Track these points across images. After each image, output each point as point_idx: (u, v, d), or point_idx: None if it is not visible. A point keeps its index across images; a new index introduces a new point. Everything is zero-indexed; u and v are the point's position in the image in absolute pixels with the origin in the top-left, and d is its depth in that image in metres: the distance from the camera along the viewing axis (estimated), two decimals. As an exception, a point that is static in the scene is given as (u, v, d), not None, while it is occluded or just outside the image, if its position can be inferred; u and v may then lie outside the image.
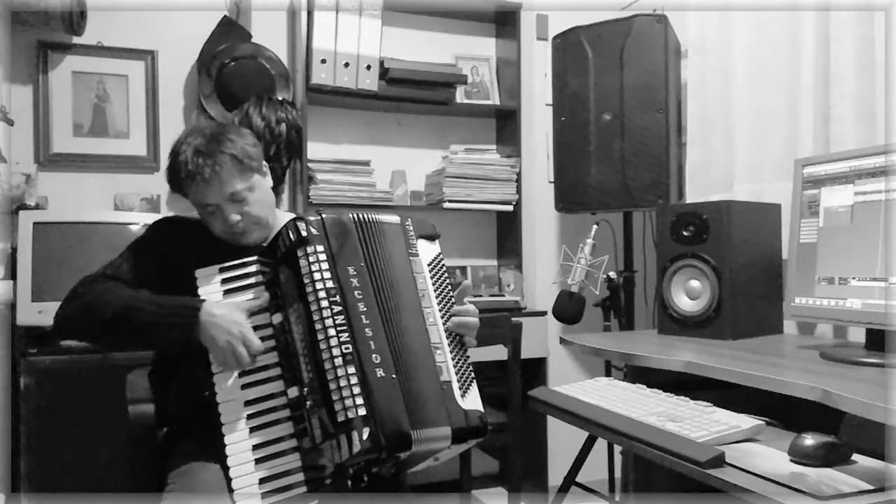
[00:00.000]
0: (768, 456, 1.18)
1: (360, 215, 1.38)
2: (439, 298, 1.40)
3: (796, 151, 2.03)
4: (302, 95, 2.65)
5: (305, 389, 1.23)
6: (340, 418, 1.18)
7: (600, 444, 1.95)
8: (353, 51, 2.64)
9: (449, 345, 1.36)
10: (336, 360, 1.21)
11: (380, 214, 1.41)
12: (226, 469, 1.22)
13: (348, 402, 1.18)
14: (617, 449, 2.56)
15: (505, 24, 3.06)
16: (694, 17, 2.49)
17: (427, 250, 1.43)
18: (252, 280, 1.36)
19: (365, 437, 1.17)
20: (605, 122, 2.50)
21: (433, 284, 1.40)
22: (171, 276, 1.40)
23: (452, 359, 1.35)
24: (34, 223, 2.18)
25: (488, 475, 2.95)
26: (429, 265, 1.42)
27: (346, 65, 2.64)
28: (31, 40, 2.49)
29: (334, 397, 1.19)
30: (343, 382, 1.20)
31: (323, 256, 1.28)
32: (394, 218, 1.43)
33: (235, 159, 1.42)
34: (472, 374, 1.37)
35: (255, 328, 1.31)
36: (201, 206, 1.45)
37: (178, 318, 1.31)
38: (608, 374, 2.54)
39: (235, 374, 1.29)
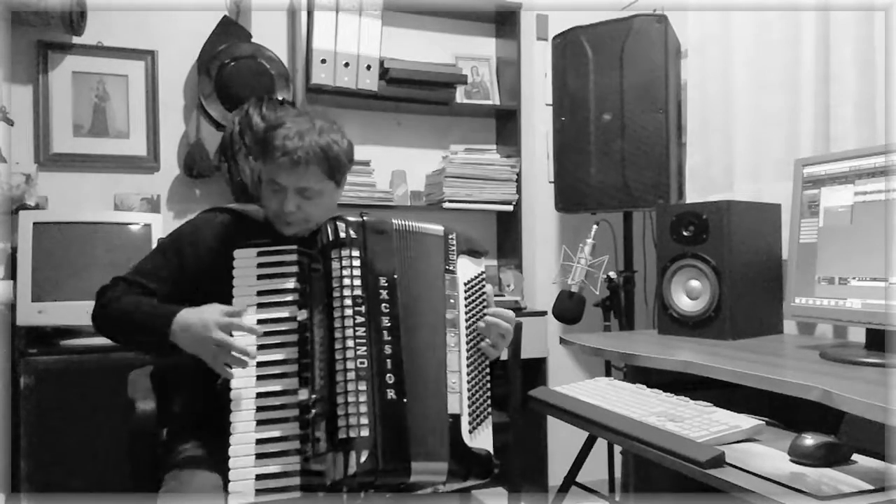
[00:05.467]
0: (768, 456, 1.18)
1: (404, 223, 1.32)
2: (469, 321, 1.33)
3: (796, 151, 2.03)
4: (302, 95, 2.65)
5: (314, 396, 1.20)
6: (342, 435, 1.15)
7: (600, 444, 1.95)
8: (353, 51, 2.64)
9: (469, 374, 1.29)
10: (349, 373, 1.18)
11: (423, 223, 1.35)
12: (225, 462, 1.20)
13: (353, 420, 1.16)
14: (617, 449, 2.56)
15: (505, 24, 3.06)
16: (694, 17, 2.49)
17: (467, 268, 1.36)
18: (286, 269, 1.30)
19: (363, 459, 1.14)
20: (605, 122, 2.50)
21: (466, 306, 1.33)
22: (205, 267, 1.41)
23: (469, 389, 1.28)
24: (34, 223, 2.18)
25: (488, 475, 2.95)
26: (466, 284, 1.34)
27: (346, 65, 2.63)
28: (31, 40, 2.49)
29: (339, 412, 1.17)
30: (352, 398, 1.17)
31: (357, 262, 1.25)
32: (437, 228, 1.36)
33: (326, 160, 1.40)
34: (489, 410, 1.30)
35: (279, 320, 1.27)
36: (270, 181, 1.42)
37: (153, 328, 1.30)
38: (608, 374, 2.54)
39: (253, 362, 1.25)
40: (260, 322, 1.27)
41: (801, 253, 1.63)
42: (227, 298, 1.29)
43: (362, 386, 1.18)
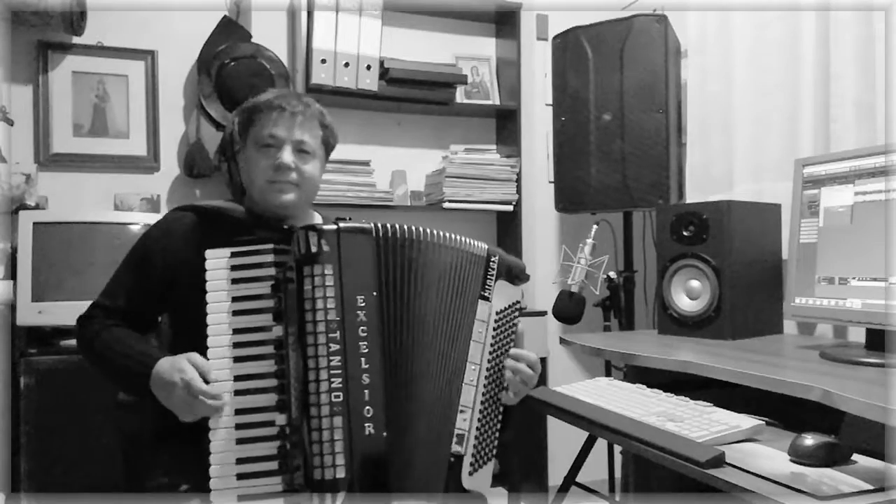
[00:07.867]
0: (768, 456, 1.18)
1: (389, 228, 1.19)
2: (493, 355, 1.22)
3: (796, 151, 2.03)
4: (302, 95, 2.65)
5: (288, 429, 1.13)
6: (317, 476, 1.09)
7: (600, 444, 1.95)
8: (353, 51, 2.64)
9: (482, 411, 1.20)
10: (323, 408, 1.10)
11: (465, 239, 1.23)
12: (201, 479, 1.13)
13: (327, 461, 1.09)
14: (617, 449, 2.56)
15: (505, 24, 3.06)
16: (694, 17, 2.49)
17: (501, 295, 1.25)
18: (262, 272, 1.19)
19: (339, 502, 1.09)
20: (605, 122, 2.50)
21: (493, 338, 1.23)
22: (175, 273, 1.34)
23: (479, 428, 1.19)
24: (34, 223, 2.18)
25: (488, 475, 2.95)
26: (498, 313, 1.24)
27: (346, 65, 2.63)
28: (31, 40, 2.49)
29: (314, 451, 1.10)
30: (326, 437, 1.10)
31: (330, 281, 1.13)
32: (479, 248, 1.24)
33: (322, 123, 1.44)
34: (494, 451, 1.22)
35: (256, 329, 1.18)
36: (263, 138, 1.36)
37: (139, 374, 1.24)
38: (608, 374, 2.54)
39: (231, 377, 1.17)
40: (235, 332, 1.18)
41: (801, 253, 1.63)
42: (201, 306, 1.20)
43: (338, 422, 1.10)
